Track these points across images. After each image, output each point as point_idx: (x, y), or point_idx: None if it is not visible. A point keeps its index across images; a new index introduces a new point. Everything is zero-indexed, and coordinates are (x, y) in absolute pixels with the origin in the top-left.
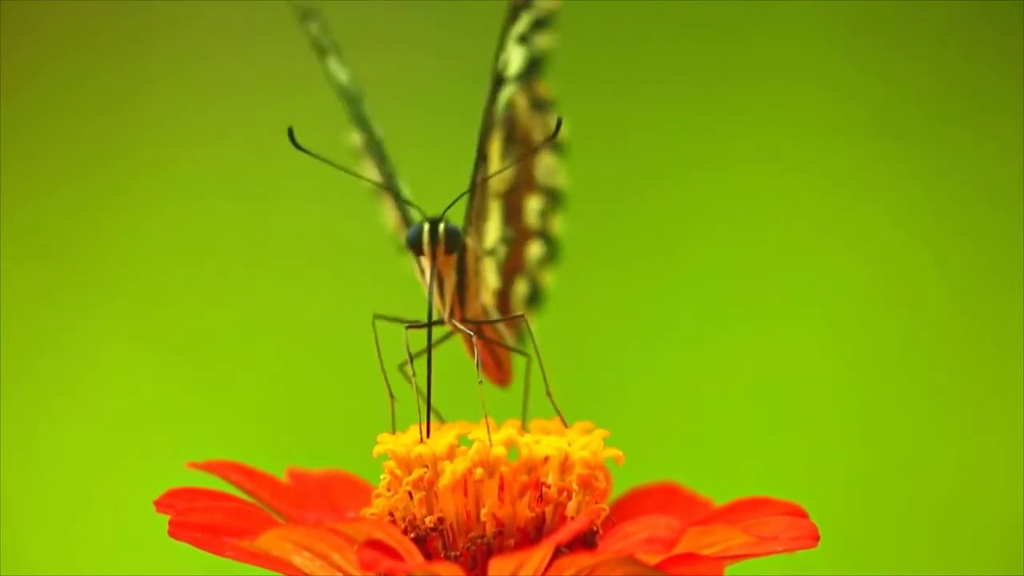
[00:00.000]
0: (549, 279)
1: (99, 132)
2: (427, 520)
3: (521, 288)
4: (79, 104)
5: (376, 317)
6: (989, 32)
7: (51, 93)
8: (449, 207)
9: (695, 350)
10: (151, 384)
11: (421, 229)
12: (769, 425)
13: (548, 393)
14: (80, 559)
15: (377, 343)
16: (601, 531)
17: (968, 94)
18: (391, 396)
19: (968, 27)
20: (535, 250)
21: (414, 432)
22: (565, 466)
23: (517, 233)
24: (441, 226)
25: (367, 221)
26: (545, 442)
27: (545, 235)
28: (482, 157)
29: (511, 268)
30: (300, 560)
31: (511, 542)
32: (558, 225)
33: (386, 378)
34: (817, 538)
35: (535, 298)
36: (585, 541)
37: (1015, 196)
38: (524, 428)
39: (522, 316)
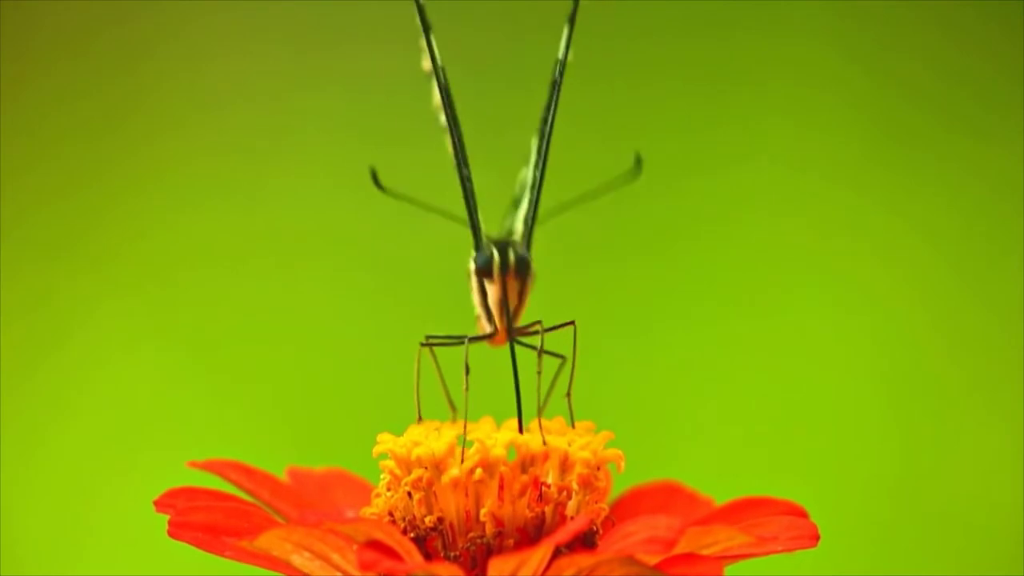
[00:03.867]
0: None
1: (105, 136)
2: (427, 520)
3: None
4: (85, 108)
5: (424, 344)
6: (990, 31)
7: (56, 98)
8: (529, 234)
9: (696, 349)
10: (152, 385)
11: (492, 257)
12: (770, 424)
13: (568, 394)
14: (81, 559)
15: (417, 371)
16: (601, 531)
17: (970, 94)
18: (420, 420)
19: (970, 27)
20: None
21: (413, 434)
22: (565, 465)
23: None
24: (511, 254)
25: (371, 223)
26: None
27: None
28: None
29: None
30: (300, 560)
31: (511, 542)
32: None
33: (418, 404)
34: (817, 538)
35: None
36: (585, 541)
37: (1017, 193)
38: (525, 428)
39: (572, 323)
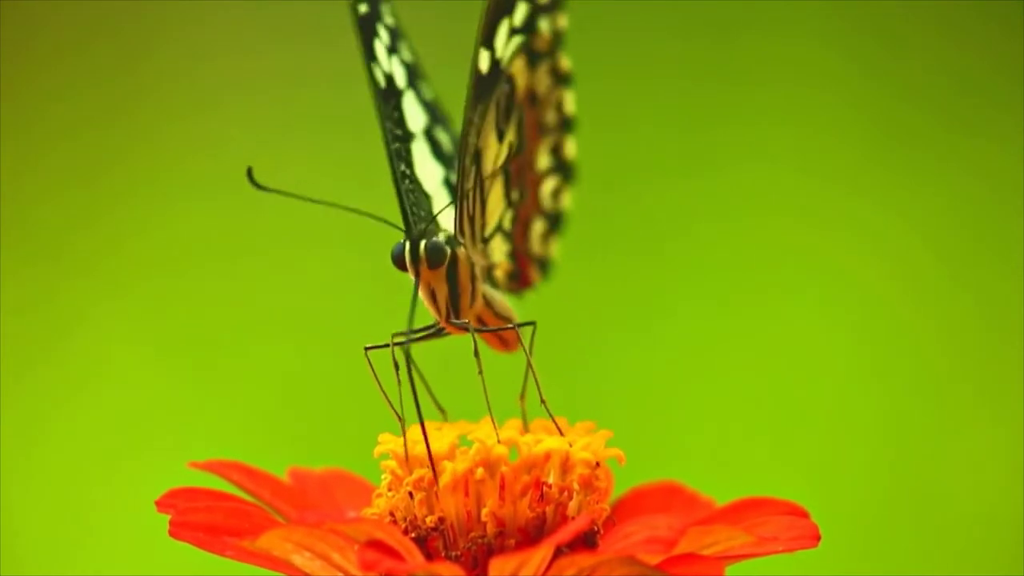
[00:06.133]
0: (567, 203)
1: (102, 135)
2: (428, 520)
3: (538, 227)
4: (82, 108)
5: (368, 349)
6: (987, 30)
7: (54, 97)
8: (431, 220)
9: (695, 349)
10: (153, 385)
11: (403, 247)
12: (770, 424)
13: (542, 401)
14: (81, 559)
15: (375, 373)
16: (602, 531)
17: (967, 93)
18: (400, 419)
19: (967, 27)
20: (549, 185)
21: (414, 433)
22: (566, 466)
23: (526, 187)
24: (422, 244)
25: (372, 221)
26: (546, 442)
27: (560, 167)
28: (473, 161)
29: (525, 218)
30: (301, 560)
31: (512, 542)
32: (571, 151)
33: (391, 404)
34: (818, 538)
35: (554, 227)
36: (586, 541)
37: (1016, 193)
38: (525, 428)
39: (514, 327)
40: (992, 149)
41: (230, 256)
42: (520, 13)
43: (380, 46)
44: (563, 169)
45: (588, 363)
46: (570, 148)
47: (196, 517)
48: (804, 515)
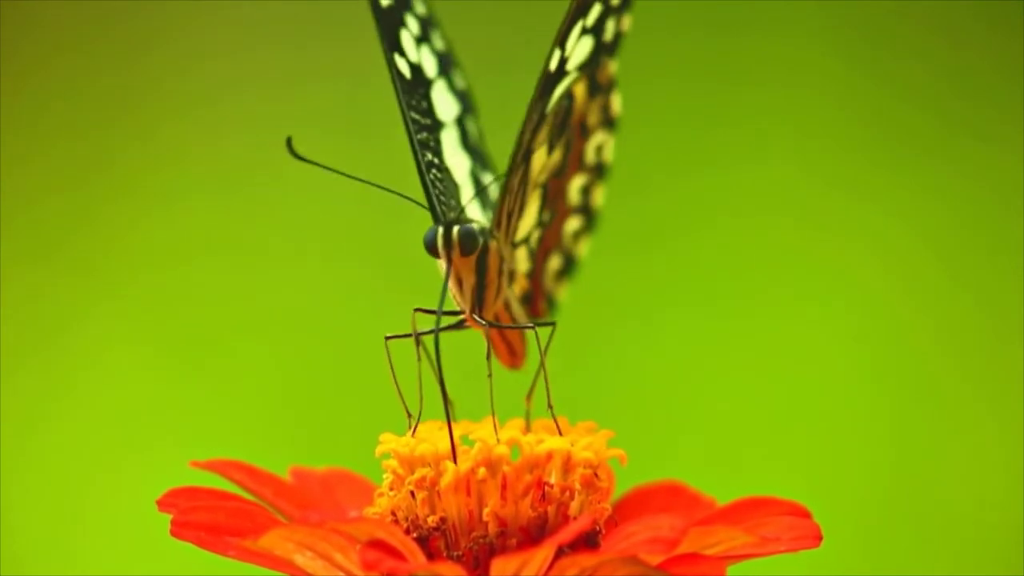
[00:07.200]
0: (584, 250)
1: (100, 133)
2: (429, 520)
3: (555, 263)
4: (80, 106)
5: (389, 338)
6: (987, 33)
7: (52, 95)
8: (460, 211)
9: (696, 348)
10: (153, 384)
11: (436, 232)
12: (773, 424)
13: (549, 406)
14: (81, 559)
15: (391, 363)
16: (604, 531)
17: (967, 95)
18: (408, 414)
19: (967, 28)
20: (572, 224)
21: (418, 432)
22: (568, 465)
23: (556, 213)
24: (455, 229)
25: (373, 218)
26: (548, 442)
27: (586, 209)
28: (524, 158)
29: (546, 246)
30: (302, 560)
31: (513, 542)
32: (600, 198)
33: (402, 398)
34: (819, 538)
35: (568, 270)
36: (588, 541)
37: (1016, 194)
38: (527, 427)
39: (532, 326)
40: (992, 150)
41: (229, 254)
42: (593, 15)
43: (408, 36)
44: (587, 212)
45: (589, 362)
46: (598, 195)
47: (198, 517)
48: (806, 515)
